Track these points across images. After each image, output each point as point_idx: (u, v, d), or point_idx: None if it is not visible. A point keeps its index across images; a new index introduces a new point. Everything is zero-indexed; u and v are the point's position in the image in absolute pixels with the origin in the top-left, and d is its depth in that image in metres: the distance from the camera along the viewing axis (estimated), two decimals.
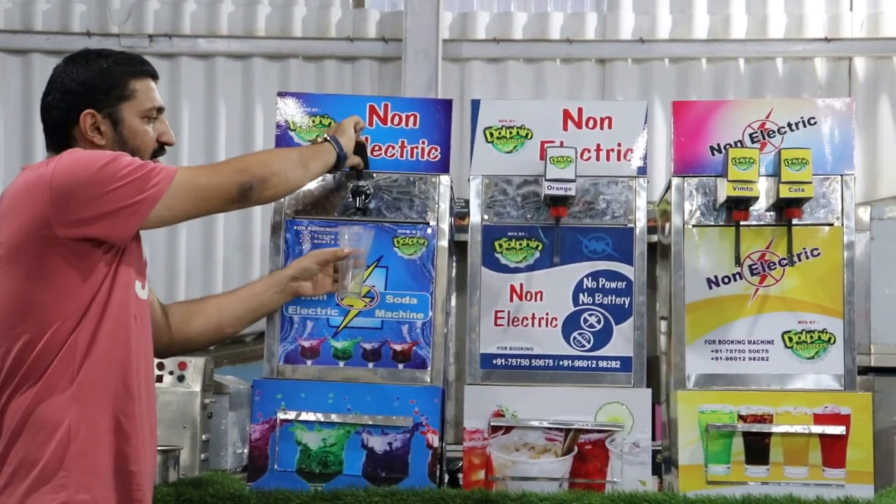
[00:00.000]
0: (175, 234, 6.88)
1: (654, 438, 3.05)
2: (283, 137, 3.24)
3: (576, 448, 2.98)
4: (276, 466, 2.98)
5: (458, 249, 3.43)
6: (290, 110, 3.25)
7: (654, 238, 3.37)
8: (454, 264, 3.45)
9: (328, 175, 3.14)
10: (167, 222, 2.69)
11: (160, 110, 2.79)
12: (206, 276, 6.78)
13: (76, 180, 2.56)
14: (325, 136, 3.05)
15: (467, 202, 3.24)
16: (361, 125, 3.15)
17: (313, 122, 3.24)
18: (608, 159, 3.20)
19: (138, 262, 2.71)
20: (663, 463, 3.22)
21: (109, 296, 2.60)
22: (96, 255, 2.59)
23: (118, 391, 2.59)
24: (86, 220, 2.55)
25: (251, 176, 2.75)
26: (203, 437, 4.51)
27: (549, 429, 2.99)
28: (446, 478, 3.25)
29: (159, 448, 3.75)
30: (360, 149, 3.13)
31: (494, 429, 3.00)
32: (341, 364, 3.11)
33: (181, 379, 4.51)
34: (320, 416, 3.00)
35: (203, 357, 4.47)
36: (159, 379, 4.41)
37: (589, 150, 3.20)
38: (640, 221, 3.16)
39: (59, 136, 2.74)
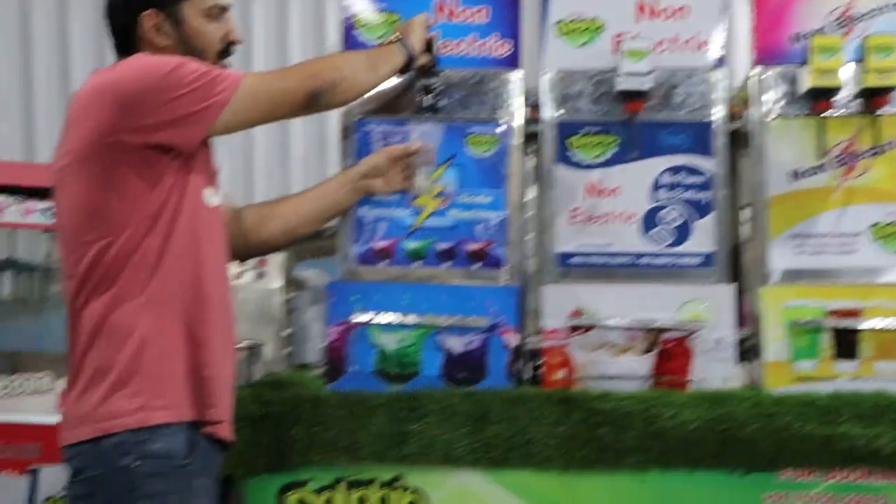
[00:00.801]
0: (250, 132, 6.72)
1: (741, 325, 2.97)
2: (350, 35, 3.16)
3: (658, 346, 2.91)
4: (353, 368, 2.93)
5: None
6: (358, 6, 3.16)
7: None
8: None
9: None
10: (234, 129, 2.64)
11: (224, 8, 2.72)
12: (282, 174, 6.73)
13: (141, 86, 2.51)
14: (394, 36, 2.97)
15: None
16: (430, 22, 3.06)
17: (381, 18, 3.15)
18: (685, 50, 3.09)
19: (208, 168, 2.67)
20: (747, 353, 3.13)
21: (179, 203, 2.56)
22: (163, 163, 2.54)
23: (191, 299, 2.55)
24: (151, 126, 2.50)
25: (321, 81, 2.68)
26: (285, 332, 4.52)
27: (630, 328, 2.92)
28: (530, 374, 3.18)
29: (243, 345, 3.88)
30: (429, 46, 3.04)
31: (574, 328, 2.93)
32: (415, 265, 3.05)
33: (261, 276, 4.54)
34: (396, 318, 2.94)
35: (282, 253, 4.44)
36: (238, 275, 4.42)
37: (665, 42, 3.09)
38: (719, 114, 3.06)
39: (123, 39, 2.69)
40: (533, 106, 3.16)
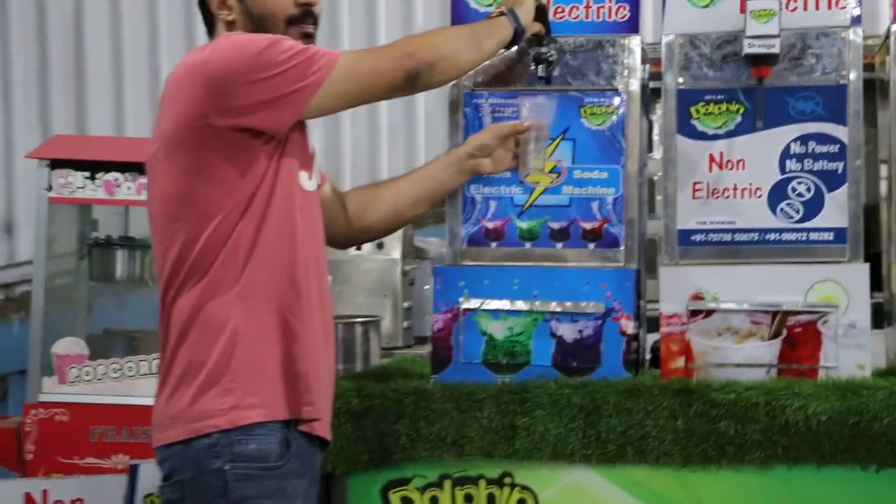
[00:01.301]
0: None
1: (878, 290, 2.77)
2: (459, 4, 3.01)
3: (784, 331, 2.72)
4: (460, 358, 2.82)
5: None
6: None
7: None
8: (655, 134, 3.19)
9: None
10: (328, 111, 2.55)
11: None
12: (408, 136, 6.52)
13: (232, 66, 2.41)
14: (502, 7, 2.80)
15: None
16: None
17: None
18: (817, 8, 2.85)
19: (303, 152, 2.56)
20: (885, 317, 2.92)
21: (273, 189, 2.46)
22: (256, 147, 2.45)
23: (285, 289, 2.46)
24: (242, 108, 2.41)
25: (419, 61, 2.54)
26: (405, 304, 4.45)
27: (755, 311, 2.73)
28: (647, 361, 3.04)
29: (360, 320, 3.82)
30: (540, 13, 2.87)
31: (694, 313, 2.76)
32: (528, 245, 2.90)
33: (380, 246, 4.57)
34: (506, 304, 2.81)
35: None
36: (359, 246, 4.34)
37: (795, 0, 2.85)
38: (855, 77, 2.81)
39: (205, 17, 2.61)
40: (653, 73, 2.97)
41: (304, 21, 2.59)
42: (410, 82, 2.55)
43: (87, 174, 4.45)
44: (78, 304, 4.91)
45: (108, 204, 4.54)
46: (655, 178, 3.40)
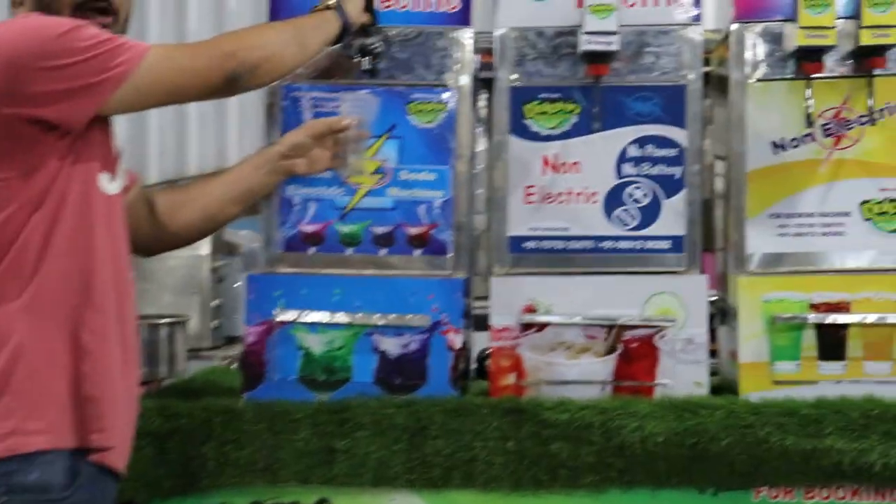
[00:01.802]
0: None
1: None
2: None
3: (620, 346, 2.58)
4: (274, 374, 2.61)
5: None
6: None
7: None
8: (479, 132, 3.01)
9: None
10: (132, 108, 2.29)
11: None
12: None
13: (24, 49, 2.14)
14: (329, 1, 2.59)
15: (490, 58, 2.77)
16: None
17: None
18: (656, 4, 2.71)
19: (105, 150, 2.30)
20: (719, 316, 2.80)
21: (66, 190, 2.20)
22: (47, 142, 2.18)
23: (79, 302, 2.20)
24: (32, 96, 2.14)
25: (240, 62, 2.32)
26: (214, 303, 4.24)
27: (589, 325, 2.59)
28: (473, 371, 2.88)
29: (166, 320, 3.60)
30: (367, 1, 2.67)
31: (526, 326, 2.60)
32: (349, 251, 2.70)
33: None
34: (325, 316, 2.61)
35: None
36: None
37: None
38: (695, 78, 2.69)
39: None
40: (483, 69, 2.79)
41: (95, 10, 2.32)
42: (229, 84, 2.33)
43: None
44: None
45: None
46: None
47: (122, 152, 2.41)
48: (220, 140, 5.79)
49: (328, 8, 2.58)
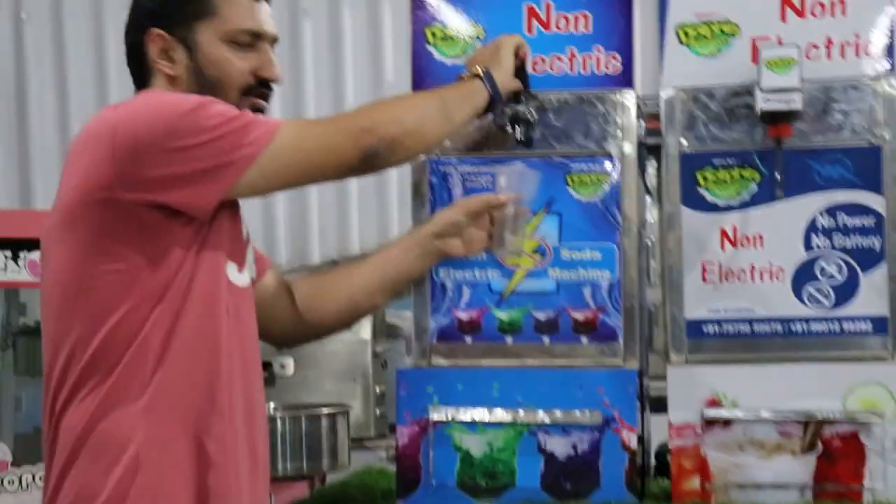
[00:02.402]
0: None
1: None
2: (420, 53, 2.56)
3: (820, 444, 2.28)
4: (431, 480, 2.37)
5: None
6: (427, 13, 2.57)
7: None
8: (648, 204, 2.75)
9: None
10: (261, 192, 2.10)
11: (258, 35, 2.17)
12: (381, 203, 5.91)
13: (147, 129, 1.98)
14: (475, 68, 2.35)
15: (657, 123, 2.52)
16: (525, 50, 2.44)
17: (461, 29, 2.55)
18: (843, 56, 2.43)
19: (232, 239, 2.12)
20: None
21: (191, 282, 2.02)
22: (171, 230, 2.01)
23: (202, 405, 2.02)
24: (156, 181, 1.97)
25: (379, 137, 2.10)
26: (377, 389, 4.14)
27: (783, 421, 2.29)
28: (652, 468, 2.60)
29: (327, 410, 3.51)
30: (518, 67, 2.43)
31: (710, 423, 2.31)
32: (509, 340, 2.46)
33: None
34: (484, 414, 2.37)
35: None
36: None
37: (817, 47, 2.44)
38: (892, 137, 2.38)
39: (133, 66, 2.18)
40: (649, 135, 2.54)
41: (259, 94, 2.18)
42: (366, 162, 2.12)
43: (9, 253, 3.97)
44: (4, 401, 4.39)
45: (36, 287, 4.04)
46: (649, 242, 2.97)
47: (251, 239, 2.21)
48: (382, 217, 5.58)
49: (475, 76, 2.35)
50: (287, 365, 4.07)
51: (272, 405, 3.75)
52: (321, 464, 3.54)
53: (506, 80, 2.38)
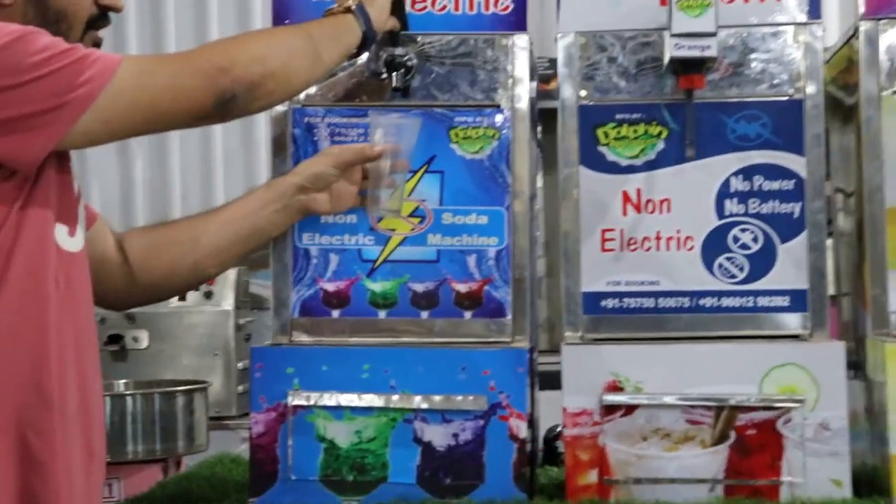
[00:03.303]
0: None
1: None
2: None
3: (732, 434, 2.04)
4: (290, 474, 2.08)
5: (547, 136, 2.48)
6: None
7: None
8: (540, 161, 2.49)
9: None
10: (98, 141, 1.81)
11: None
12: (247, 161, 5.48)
13: None
14: (348, 2, 2.09)
15: (553, 70, 2.28)
16: None
17: None
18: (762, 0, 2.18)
19: (62, 196, 1.82)
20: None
21: (12, 249, 1.73)
22: None
23: (26, 396, 1.72)
24: None
25: (236, 79, 1.84)
26: (240, 365, 3.93)
27: (692, 406, 2.05)
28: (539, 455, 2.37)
29: (183, 387, 3.33)
30: (396, 4, 2.17)
31: (609, 409, 2.05)
32: (382, 314, 2.19)
33: (209, 295, 3.98)
34: (352, 399, 2.08)
35: (235, 267, 3.84)
36: (182, 296, 3.83)
37: None
38: (815, 90, 2.15)
39: None
40: (544, 83, 2.28)
41: (100, 24, 1.90)
42: (222, 107, 1.84)
43: None
44: None
45: None
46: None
47: (82, 196, 1.89)
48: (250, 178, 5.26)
49: (346, 11, 2.06)
50: (140, 338, 3.83)
51: (123, 382, 3.54)
52: (176, 445, 3.36)
53: (381, 17, 2.13)
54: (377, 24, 2.10)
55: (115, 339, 3.83)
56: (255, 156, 5.19)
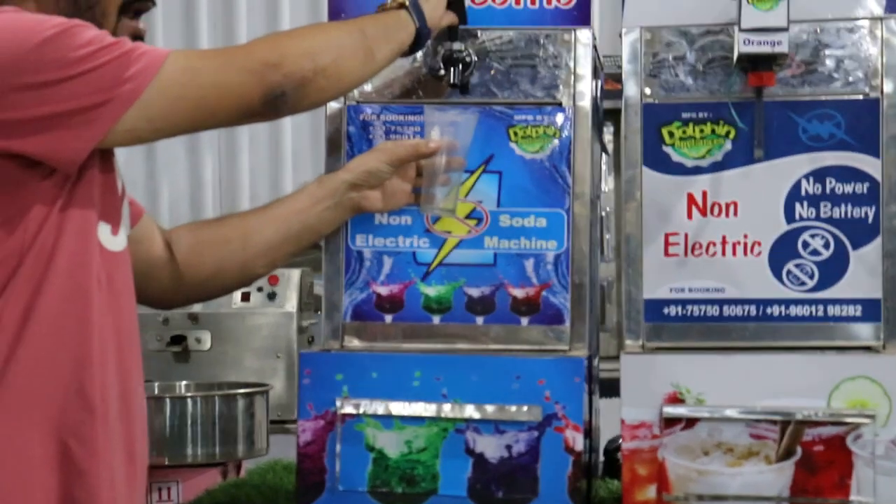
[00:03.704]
0: None
1: None
2: None
3: (799, 450, 1.96)
4: (337, 485, 2.04)
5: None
6: None
7: None
8: (605, 162, 2.43)
9: None
10: (143, 139, 1.76)
11: None
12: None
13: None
14: None
15: (619, 67, 2.19)
16: None
17: None
18: None
19: (105, 195, 1.77)
20: None
21: (55, 248, 1.68)
22: (28, 184, 1.66)
23: (68, 400, 1.68)
24: (10, 125, 1.62)
25: (286, 75, 1.78)
26: None
27: (757, 420, 1.97)
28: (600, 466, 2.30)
29: (243, 390, 3.24)
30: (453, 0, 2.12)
31: (669, 422, 1.98)
32: (436, 319, 2.13)
33: (272, 297, 3.93)
34: (402, 408, 2.03)
35: (299, 268, 3.84)
36: (245, 297, 3.81)
37: None
38: (892, 87, 2.06)
39: None
40: (616, 82, 2.23)
41: (141, 12, 1.84)
42: (270, 105, 1.78)
43: None
44: None
45: None
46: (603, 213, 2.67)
47: (126, 192, 1.85)
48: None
49: (400, 7, 2.01)
50: (203, 339, 3.82)
51: (184, 384, 3.52)
52: (236, 449, 3.27)
53: (436, 13, 2.07)
54: (431, 21, 2.04)
55: (178, 339, 3.82)
56: (324, 155, 5.18)
